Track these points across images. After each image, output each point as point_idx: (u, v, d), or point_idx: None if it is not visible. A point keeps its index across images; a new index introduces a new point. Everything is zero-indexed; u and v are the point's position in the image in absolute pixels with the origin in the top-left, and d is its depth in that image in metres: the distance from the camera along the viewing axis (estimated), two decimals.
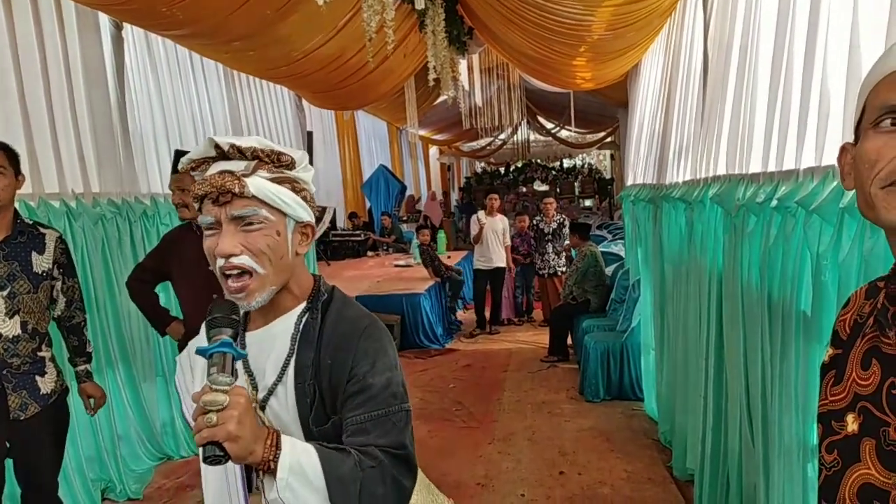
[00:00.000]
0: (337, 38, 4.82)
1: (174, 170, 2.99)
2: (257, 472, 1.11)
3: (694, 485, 3.47)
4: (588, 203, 18.40)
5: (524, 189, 18.31)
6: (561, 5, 4.20)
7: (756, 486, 2.53)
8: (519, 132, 17.28)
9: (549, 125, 17.24)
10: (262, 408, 1.26)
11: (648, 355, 4.98)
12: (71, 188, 3.63)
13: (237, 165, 1.18)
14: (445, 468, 4.21)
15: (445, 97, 7.75)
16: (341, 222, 11.98)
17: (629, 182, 6.01)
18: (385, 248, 11.76)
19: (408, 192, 14.70)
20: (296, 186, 1.24)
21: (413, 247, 10.01)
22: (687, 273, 3.60)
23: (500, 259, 7.99)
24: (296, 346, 1.26)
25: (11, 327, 2.48)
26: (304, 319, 1.29)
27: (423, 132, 14.98)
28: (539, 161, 19.74)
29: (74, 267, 2.75)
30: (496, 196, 8.38)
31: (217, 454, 1.02)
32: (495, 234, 7.95)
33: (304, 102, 6.89)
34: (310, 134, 7.68)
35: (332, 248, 10.95)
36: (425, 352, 7.17)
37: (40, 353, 2.59)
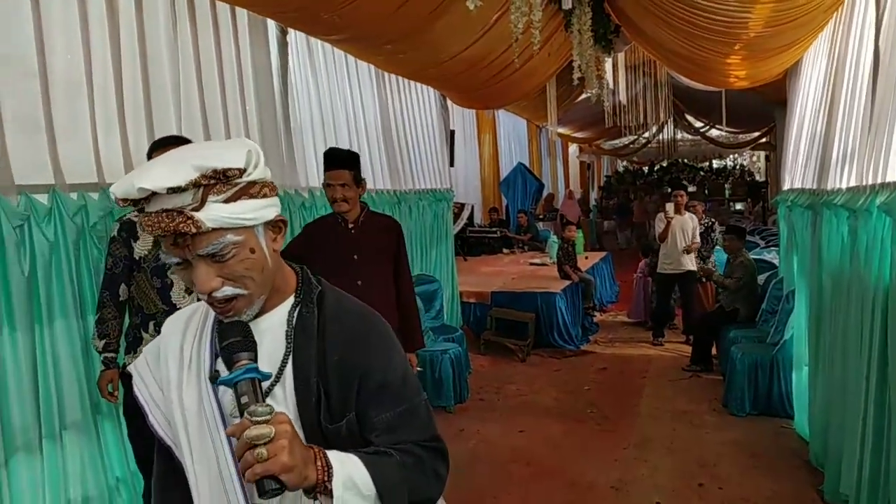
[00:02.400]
0: (483, 40, 4.92)
1: (327, 167, 3.22)
2: (309, 495, 1.07)
3: None
4: (739, 206, 17.44)
5: (669, 190, 17.65)
6: (715, 2, 4.04)
7: None
8: (665, 130, 16.68)
9: (697, 124, 16.54)
10: None
11: (801, 371, 4.68)
12: None
13: (182, 199, 1.04)
14: (579, 469, 4.20)
15: (588, 95, 7.66)
16: (478, 219, 12.14)
17: (786, 186, 5.66)
18: (520, 245, 11.79)
19: (546, 191, 14.63)
20: (252, 191, 1.11)
21: (549, 245, 9.97)
22: (848, 286, 3.36)
23: (689, 262, 7.17)
24: (291, 343, 1.18)
25: (189, 303, 2.77)
26: (296, 313, 1.20)
27: (562, 130, 14.84)
28: (686, 161, 18.98)
29: None
30: (682, 192, 7.46)
31: (273, 488, 0.98)
32: (684, 234, 7.12)
33: (449, 102, 7.07)
34: (452, 132, 7.88)
35: (469, 244, 11.14)
36: (559, 352, 7.13)
37: None
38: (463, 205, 10.73)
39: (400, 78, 5.79)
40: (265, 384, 1.11)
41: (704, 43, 4.90)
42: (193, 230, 1.04)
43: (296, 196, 4.33)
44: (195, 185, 1.04)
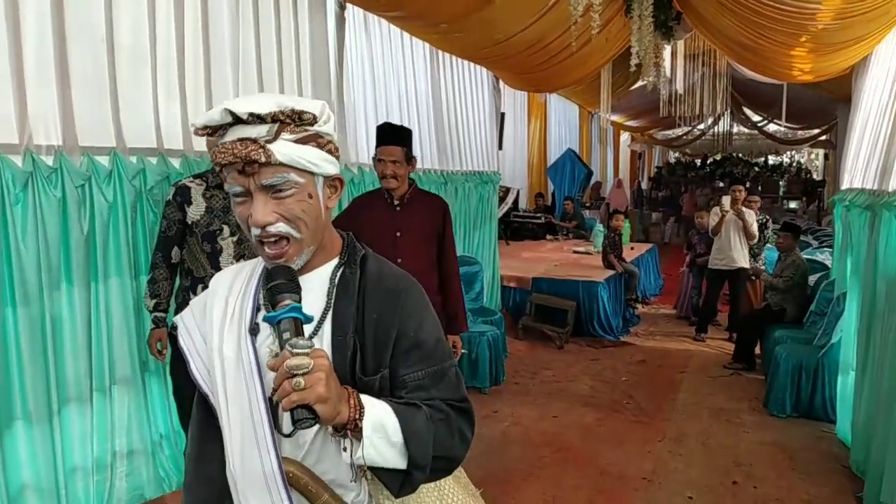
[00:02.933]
0: (540, 22, 4.87)
1: (379, 141, 3.17)
2: (339, 431, 1.11)
3: None
4: (793, 205, 16.95)
5: (721, 184, 17.24)
6: None
7: None
8: (721, 123, 16.27)
9: (755, 118, 16.08)
10: None
11: (847, 375, 4.56)
12: None
13: (258, 130, 1.11)
14: (612, 458, 4.19)
15: (644, 83, 7.52)
16: (523, 203, 12.06)
17: (844, 186, 5.49)
18: (565, 232, 11.68)
19: (594, 179, 14.43)
20: (320, 142, 1.18)
21: (594, 234, 9.86)
22: None
23: (743, 258, 7.04)
24: (332, 300, 1.23)
25: None
26: (339, 273, 1.26)
27: (615, 117, 14.61)
28: (740, 155, 18.50)
29: None
30: (741, 187, 7.27)
31: (307, 417, 1.01)
32: (738, 230, 7.00)
33: (501, 84, 7.02)
34: (502, 115, 7.83)
35: (513, 228, 11.08)
36: (598, 342, 7.08)
37: None
38: (508, 189, 10.66)
39: (453, 57, 5.76)
40: (306, 329, 1.14)
41: (769, 33, 4.76)
42: (263, 159, 1.10)
43: (345, 172, 4.38)
44: (273, 119, 1.11)
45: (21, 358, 2.57)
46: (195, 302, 1.33)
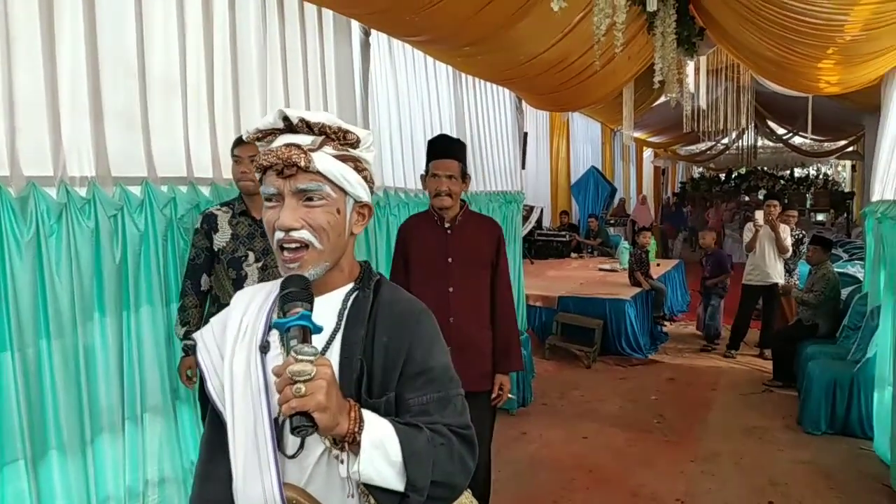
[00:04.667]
0: (564, 42, 4.87)
1: (434, 155, 2.93)
2: (338, 444, 1.11)
3: None
4: (821, 217, 16.71)
5: (747, 198, 17.06)
6: (809, 4, 3.89)
7: None
8: (745, 137, 16.12)
9: (780, 131, 15.93)
10: None
11: (884, 391, 4.46)
12: None
13: (304, 139, 1.19)
14: (643, 479, 4.12)
15: (667, 98, 7.48)
16: (547, 222, 12.03)
17: (875, 197, 5.39)
18: (589, 250, 11.61)
19: (618, 196, 14.36)
20: (358, 166, 1.24)
21: (619, 251, 9.79)
22: None
23: (777, 274, 7.04)
24: (343, 322, 1.24)
25: None
26: (353, 297, 1.27)
27: (638, 134, 14.55)
28: (765, 169, 18.30)
29: None
30: (775, 202, 7.22)
31: (305, 424, 1.01)
32: (772, 245, 6.98)
33: (523, 103, 7.03)
34: (525, 134, 7.83)
35: (537, 247, 11.04)
36: (626, 360, 7.01)
37: None
38: (532, 207, 10.64)
39: (476, 80, 5.79)
40: (315, 343, 1.14)
41: (795, 47, 4.72)
42: (303, 163, 1.16)
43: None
44: (321, 131, 1.19)
45: (55, 389, 2.59)
46: (215, 319, 1.34)
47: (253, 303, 1.30)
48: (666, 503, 3.84)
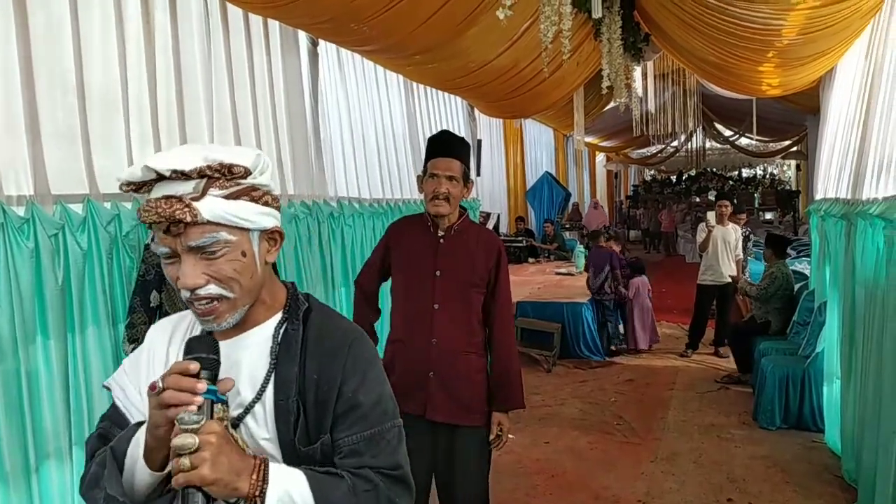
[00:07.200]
0: (512, 50, 4.93)
1: (435, 153, 2.55)
2: None
3: None
4: (769, 216, 17.20)
5: (697, 199, 17.46)
6: (747, 10, 4.01)
7: None
8: (693, 139, 16.53)
9: (727, 133, 16.38)
10: (235, 426, 1.13)
11: (832, 384, 4.59)
12: None
13: (184, 187, 1.04)
14: (605, 481, 4.15)
15: (616, 104, 7.62)
16: (504, 228, 12.11)
17: (818, 196, 5.57)
18: (546, 255, 11.72)
19: (572, 200, 14.53)
20: (255, 195, 1.11)
21: (575, 255, 9.89)
22: (883, 298, 3.29)
23: (730, 273, 7.07)
24: (275, 360, 1.16)
25: None
26: (282, 331, 1.18)
27: (589, 139, 14.78)
28: (714, 170, 18.78)
29: None
30: (727, 202, 7.24)
31: (194, 500, 0.97)
32: (726, 245, 7.02)
33: (476, 111, 7.09)
34: (479, 142, 7.88)
35: None
36: (585, 363, 7.07)
37: None
38: (489, 214, 10.70)
39: (428, 88, 5.82)
40: (248, 394, 1.12)
41: (736, 51, 4.85)
42: (189, 218, 1.03)
43: (324, 206, 4.36)
44: (200, 174, 1.04)
45: None
46: (128, 360, 1.26)
47: (175, 336, 1.23)
48: None
